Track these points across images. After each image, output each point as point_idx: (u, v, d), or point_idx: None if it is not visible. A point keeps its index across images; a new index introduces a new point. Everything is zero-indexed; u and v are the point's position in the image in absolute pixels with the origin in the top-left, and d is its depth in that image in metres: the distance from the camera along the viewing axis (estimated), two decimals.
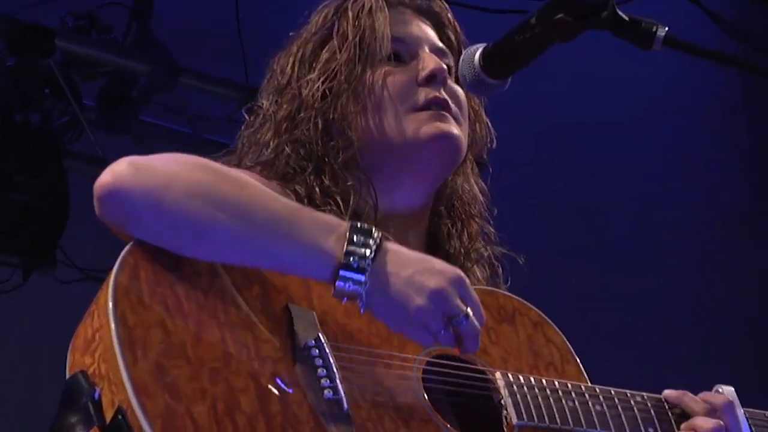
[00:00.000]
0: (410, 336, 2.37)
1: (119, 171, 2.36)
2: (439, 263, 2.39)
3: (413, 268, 2.36)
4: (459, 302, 2.35)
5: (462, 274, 2.38)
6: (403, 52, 2.75)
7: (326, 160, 2.68)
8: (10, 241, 5.40)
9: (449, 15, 2.83)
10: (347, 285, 2.33)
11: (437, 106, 2.70)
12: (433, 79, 2.70)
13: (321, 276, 2.36)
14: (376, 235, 2.35)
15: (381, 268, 2.34)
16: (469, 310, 2.36)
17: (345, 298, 2.35)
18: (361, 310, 2.35)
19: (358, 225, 2.36)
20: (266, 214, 2.38)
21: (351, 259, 2.33)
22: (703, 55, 2.44)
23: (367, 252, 2.33)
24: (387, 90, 2.71)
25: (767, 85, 2.36)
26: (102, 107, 5.72)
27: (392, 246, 2.37)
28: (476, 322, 2.37)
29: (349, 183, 2.66)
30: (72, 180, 5.38)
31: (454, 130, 2.69)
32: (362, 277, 2.33)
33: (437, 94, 2.70)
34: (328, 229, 2.37)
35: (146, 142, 5.67)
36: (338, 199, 2.65)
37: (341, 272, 2.33)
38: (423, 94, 2.70)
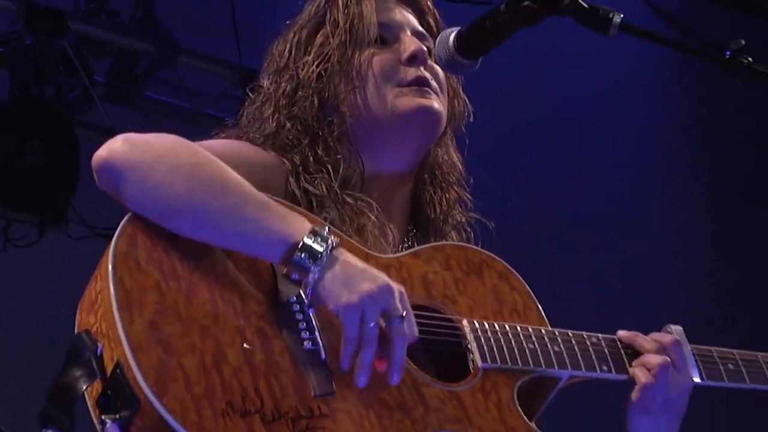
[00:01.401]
0: (343, 318, 2.31)
1: (114, 147, 2.38)
2: (383, 276, 2.35)
3: (366, 267, 2.35)
4: (399, 305, 2.33)
5: (401, 288, 2.36)
6: (388, 36, 2.74)
7: (320, 134, 2.67)
8: (27, 201, 5.45)
9: (428, 2, 2.83)
10: (296, 268, 2.32)
11: (419, 83, 2.69)
12: (415, 59, 2.70)
13: (277, 260, 2.35)
14: (334, 238, 2.35)
15: (333, 261, 2.33)
16: (405, 313, 2.33)
17: (295, 276, 2.33)
18: (308, 291, 2.33)
19: (315, 227, 2.35)
20: (240, 199, 2.37)
21: (304, 248, 2.32)
22: (656, 40, 2.44)
23: (322, 249, 2.32)
24: (374, 69, 2.70)
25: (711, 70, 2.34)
26: (110, 83, 5.76)
27: (344, 251, 2.36)
28: (406, 329, 2.33)
29: (339, 155, 2.67)
30: (83, 147, 5.40)
31: (435, 104, 2.69)
32: (313, 263, 2.32)
33: (419, 72, 2.69)
34: (294, 223, 2.36)
35: (148, 114, 5.70)
36: (329, 167, 2.65)
37: (295, 257, 2.32)
38: (406, 73, 2.69)
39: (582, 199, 6.49)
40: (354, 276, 2.32)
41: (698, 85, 6.55)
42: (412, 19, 2.78)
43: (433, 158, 2.80)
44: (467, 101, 2.85)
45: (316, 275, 2.32)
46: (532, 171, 6.35)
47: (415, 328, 2.37)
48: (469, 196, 2.83)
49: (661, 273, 6.53)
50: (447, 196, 2.79)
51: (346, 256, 2.37)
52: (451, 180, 2.80)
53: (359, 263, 2.37)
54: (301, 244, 2.32)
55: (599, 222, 6.52)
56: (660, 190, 6.80)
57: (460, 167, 2.84)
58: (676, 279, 6.53)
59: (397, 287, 2.35)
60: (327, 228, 2.39)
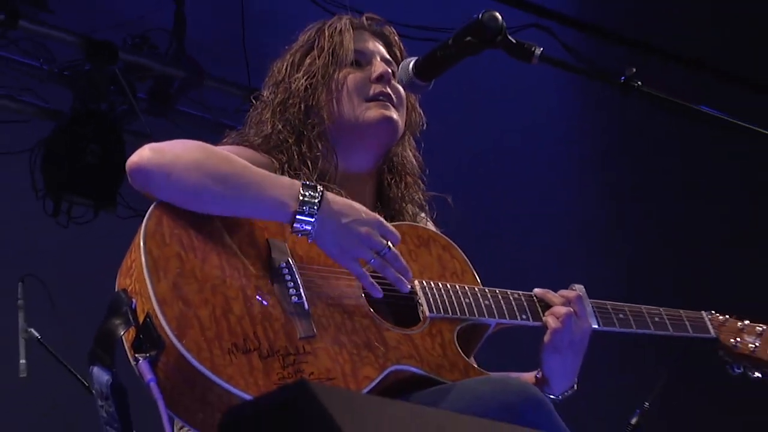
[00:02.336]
0: (346, 266, 2.38)
1: (142, 154, 2.38)
2: (365, 211, 2.40)
3: (348, 216, 2.37)
4: (381, 239, 2.37)
5: (381, 219, 2.41)
6: (362, 60, 2.73)
7: (304, 133, 2.65)
8: (86, 188, 5.40)
9: (395, 37, 2.81)
10: (301, 225, 2.36)
11: (383, 98, 2.68)
12: (381, 78, 2.69)
13: (283, 219, 2.37)
14: (319, 189, 2.37)
15: (325, 214, 2.35)
16: (389, 243, 2.37)
17: (299, 234, 2.36)
18: (309, 240, 2.37)
19: (307, 183, 2.38)
20: (243, 180, 2.37)
21: (303, 208, 2.34)
22: (567, 69, 2.43)
23: (315, 201, 2.34)
24: (348, 84, 2.68)
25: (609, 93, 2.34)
26: (150, 100, 5.69)
27: (332, 196, 2.38)
28: (396, 251, 2.38)
29: (318, 152, 2.63)
30: (128, 149, 5.34)
31: (394, 115, 2.67)
32: (312, 219, 2.34)
33: (383, 89, 2.68)
34: (287, 188, 2.37)
35: (179, 124, 5.66)
36: (309, 162, 2.62)
37: (297, 216, 2.34)
38: (373, 89, 2.68)
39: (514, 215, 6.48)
40: (342, 230, 2.35)
41: (599, 111, 6.56)
42: (382, 49, 2.76)
43: (394, 155, 2.77)
44: (422, 113, 2.83)
45: (317, 228, 2.33)
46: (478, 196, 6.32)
47: (398, 235, 2.41)
48: (423, 182, 2.81)
49: (571, 250, 6.52)
50: (404, 180, 2.76)
51: (332, 200, 2.37)
52: (407, 170, 2.77)
53: (343, 207, 2.38)
54: (300, 202, 2.33)
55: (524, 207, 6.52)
56: (576, 196, 6.78)
57: (415, 162, 2.81)
58: (585, 254, 6.52)
59: (374, 224, 2.37)
60: (310, 181, 2.41)
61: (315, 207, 2.34)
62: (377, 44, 2.76)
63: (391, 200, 2.73)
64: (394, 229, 2.40)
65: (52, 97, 5.47)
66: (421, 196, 2.78)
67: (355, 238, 2.35)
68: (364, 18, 2.79)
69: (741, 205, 6.64)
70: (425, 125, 2.84)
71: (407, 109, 2.77)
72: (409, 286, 2.45)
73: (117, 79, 5.41)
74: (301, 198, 2.34)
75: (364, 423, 1.63)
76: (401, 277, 2.39)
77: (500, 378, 2.38)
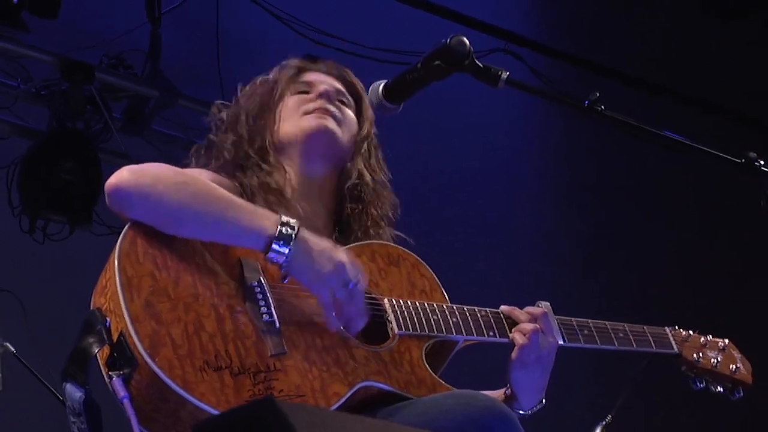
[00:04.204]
0: (317, 292, 2.35)
1: (120, 176, 2.36)
2: (337, 248, 2.39)
3: (323, 247, 2.37)
4: (354, 273, 2.36)
5: (352, 259, 2.39)
6: (310, 89, 2.73)
7: (253, 155, 2.65)
8: (62, 206, 5.34)
9: (354, 79, 2.80)
10: (275, 256, 2.33)
11: (322, 111, 2.68)
12: (322, 95, 2.69)
13: (257, 247, 2.35)
14: (297, 223, 2.35)
15: (300, 244, 2.34)
16: (359, 278, 2.37)
17: (272, 262, 2.35)
18: (282, 270, 2.36)
19: (284, 219, 2.35)
20: (221, 206, 2.36)
21: (280, 237, 2.33)
22: (534, 93, 2.45)
23: (292, 232, 2.33)
24: (294, 105, 2.70)
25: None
26: (125, 119, 5.66)
27: (307, 233, 2.36)
28: (361, 288, 2.38)
29: (269, 172, 2.62)
30: (104, 167, 5.34)
31: (330, 125, 2.67)
32: (287, 249, 2.33)
33: (324, 104, 2.68)
34: (265, 218, 2.36)
35: (154, 143, 5.63)
36: (263, 183, 2.61)
37: (273, 245, 2.33)
38: (313, 104, 2.69)
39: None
40: (316, 258, 2.33)
41: (557, 129, 6.60)
42: (333, 81, 2.76)
43: (353, 180, 2.73)
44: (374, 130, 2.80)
45: (291, 257, 2.31)
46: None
47: (366, 279, 2.40)
48: (392, 217, 2.80)
49: (537, 267, 6.54)
50: (367, 211, 2.73)
51: (308, 236, 2.36)
52: (369, 197, 2.72)
53: (319, 242, 2.36)
54: (277, 234, 2.31)
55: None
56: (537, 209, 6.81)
57: (382, 181, 2.79)
58: (551, 271, 6.54)
59: (348, 260, 2.36)
60: (287, 217, 2.36)
61: (292, 237, 2.32)
62: (329, 78, 2.77)
63: (353, 232, 2.69)
64: (362, 270, 2.40)
65: (28, 115, 5.45)
66: (386, 231, 2.76)
67: (330, 267, 2.33)
68: (323, 63, 2.81)
69: (699, 219, 6.70)
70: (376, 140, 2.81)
71: (366, 147, 2.74)
72: (366, 319, 2.43)
73: (93, 98, 5.38)
74: (279, 228, 2.32)
75: None
76: (356, 318, 2.38)
77: (465, 392, 2.37)
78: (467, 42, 2.37)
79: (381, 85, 2.48)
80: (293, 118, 2.69)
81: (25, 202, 5.31)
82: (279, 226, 2.32)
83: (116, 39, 5.57)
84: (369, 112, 2.77)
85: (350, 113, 2.73)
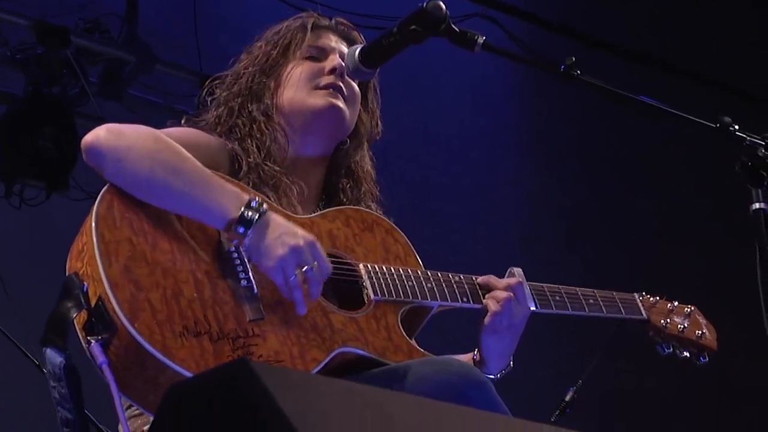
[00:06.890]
0: (270, 275, 2.32)
1: (98, 134, 2.35)
2: (300, 230, 2.36)
3: (282, 230, 2.33)
4: (309, 257, 2.32)
5: (315, 239, 2.36)
6: (320, 56, 2.71)
7: (256, 117, 2.63)
8: (38, 171, 5.32)
9: (360, 37, 2.77)
10: (235, 237, 2.32)
11: (332, 88, 2.66)
12: (334, 70, 2.67)
13: (219, 226, 2.34)
14: (264, 207, 2.33)
15: (261, 228, 2.31)
16: (316, 263, 2.33)
17: (233, 240, 2.33)
18: (243, 249, 2.33)
19: (255, 198, 2.34)
20: (190, 178, 2.34)
21: (243, 219, 2.31)
22: (510, 57, 2.45)
23: (255, 215, 2.31)
24: (302, 74, 2.67)
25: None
26: (102, 83, 5.63)
27: (272, 215, 2.34)
28: (318, 275, 2.33)
29: (267, 136, 2.61)
30: (80, 132, 5.30)
31: (340, 104, 2.65)
32: (248, 230, 2.31)
33: (335, 81, 2.66)
34: (233, 197, 2.34)
35: (131, 107, 5.61)
36: (259, 146, 2.59)
37: (234, 226, 2.31)
38: (324, 79, 2.67)
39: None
40: (271, 241, 2.30)
41: (538, 98, 6.60)
42: (343, 47, 2.72)
43: (352, 159, 2.74)
44: (380, 124, 2.81)
45: (249, 240, 2.30)
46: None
47: (329, 266, 2.36)
48: (378, 192, 2.80)
49: (510, 236, 6.56)
50: (359, 187, 2.74)
51: (272, 220, 2.31)
52: (362, 177, 2.75)
53: (281, 225, 2.34)
54: (239, 217, 2.29)
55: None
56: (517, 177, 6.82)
57: (373, 174, 2.78)
58: (524, 238, 6.56)
59: (306, 242, 2.33)
60: (257, 198, 2.35)
61: (253, 221, 2.30)
62: (340, 44, 2.74)
63: (341, 204, 2.68)
64: (325, 257, 2.36)
65: (4, 80, 5.41)
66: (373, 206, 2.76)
67: (282, 251, 2.29)
68: (333, 20, 2.78)
69: (679, 193, 6.73)
70: (381, 135, 2.82)
71: (368, 114, 2.76)
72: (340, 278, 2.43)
73: (69, 62, 5.35)
74: (243, 210, 2.31)
75: (303, 400, 1.63)
76: (305, 301, 2.33)
77: (442, 359, 2.40)
78: (444, 6, 2.36)
79: (357, 49, 2.47)
80: (302, 90, 2.66)
81: (2, 167, 5.29)
82: (243, 209, 2.31)
83: (92, 2, 5.53)
84: (374, 82, 2.77)
85: (356, 87, 2.72)
